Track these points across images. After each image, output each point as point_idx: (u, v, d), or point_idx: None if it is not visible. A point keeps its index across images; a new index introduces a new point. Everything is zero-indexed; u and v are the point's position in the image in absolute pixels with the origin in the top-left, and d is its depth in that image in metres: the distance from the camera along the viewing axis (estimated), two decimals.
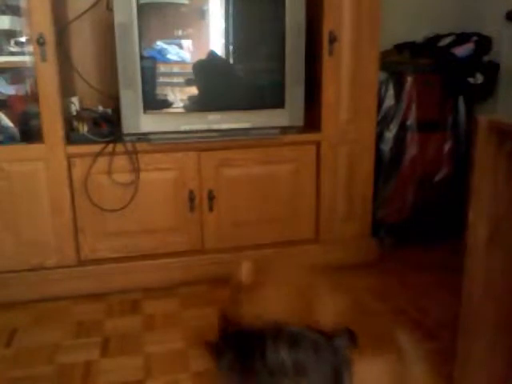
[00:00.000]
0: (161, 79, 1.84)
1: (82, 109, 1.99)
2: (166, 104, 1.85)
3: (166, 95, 1.84)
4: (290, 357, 1.04)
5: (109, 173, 1.85)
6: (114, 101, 1.95)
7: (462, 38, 2.35)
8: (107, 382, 1.45)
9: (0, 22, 1.75)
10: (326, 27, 1.92)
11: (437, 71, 2.27)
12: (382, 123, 2.24)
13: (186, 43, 1.81)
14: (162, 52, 1.80)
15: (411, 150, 2.27)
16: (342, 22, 1.93)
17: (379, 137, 2.21)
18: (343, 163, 2.07)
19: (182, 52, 1.82)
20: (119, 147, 1.84)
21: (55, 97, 1.76)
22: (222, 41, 1.86)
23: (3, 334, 1.67)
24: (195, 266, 1.99)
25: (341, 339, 1.07)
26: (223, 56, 1.88)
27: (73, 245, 1.89)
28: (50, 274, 1.88)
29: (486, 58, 2.32)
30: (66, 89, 1.91)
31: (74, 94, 2.05)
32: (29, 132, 1.81)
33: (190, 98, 1.87)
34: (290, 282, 1.27)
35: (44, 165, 1.80)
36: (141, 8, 1.73)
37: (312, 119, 2.02)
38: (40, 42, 1.69)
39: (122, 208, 1.88)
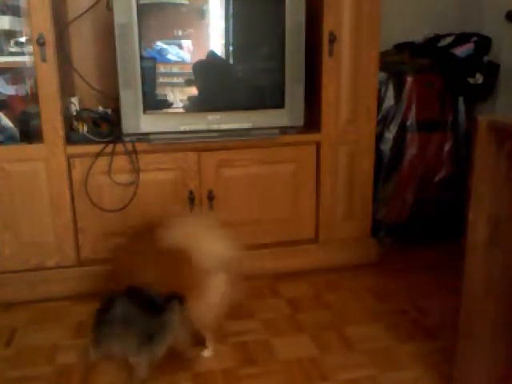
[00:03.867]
0: (161, 79, 1.84)
1: (82, 109, 1.99)
2: (165, 104, 1.85)
3: (165, 95, 1.84)
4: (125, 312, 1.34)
5: (109, 173, 1.85)
6: (113, 101, 1.95)
7: (462, 38, 2.35)
8: (107, 382, 1.45)
9: (0, 22, 1.75)
10: (326, 27, 1.92)
11: (437, 71, 2.27)
12: (382, 123, 2.24)
13: (186, 43, 1.81)
14: (161, 52, 1.80)
15: (411, 150, 2.27)
16: (341, 22, 1.93)
17: (379, 137, 2.21)
18: (343, 163, 2.07)
19: (181, 52, 1.82)
20: (119, 147, 1.84)
21: (55, 97, 1.76)
22: (222, 41, 1.86)
23: (3, 334, 1.67)
24: None
25: (174, 303, 1.34)
26: (223, 56, 1.88)
27: (73, 245, 1.89)
28: (50, 274, 1.88)
29: (486, 58, 2.32)
30: (66, 89, 1.91)
31: (73, 94, 2.05)
32: (29, 132, 1.81)
33: (190, 99, 1.87)
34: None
35: (44, 165, 1.80)
36: (141, 8, 1.73)
37: (312, 119, 2.02)
38: (40, 42, 1.69)
39: (122, 208, 1.88)
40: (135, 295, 1.37)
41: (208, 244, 1.42)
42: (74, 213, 1.87)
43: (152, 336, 1.33)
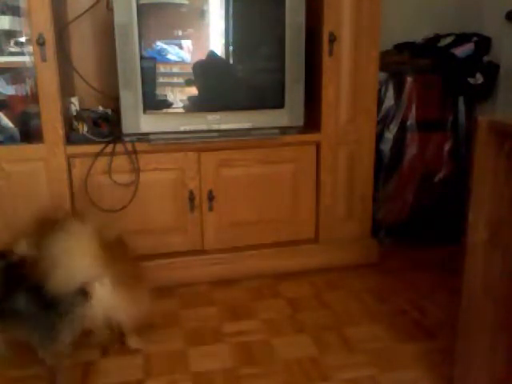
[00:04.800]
0: (161, 79, 1.84)
1: (82, 109, 1.99)
2: (165, 104, 1.85)
3: (165, 95, 1.84)
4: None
5: (109, 173, 1.85)
6: (113, 101, 1.95)
7: (461, 38, 2.36)
8: (107, 382, 1.45)
9: (0, 22, 1.75)
10: (326, 27, 1.92)
11: (437, 71, 2.27)
12: (382, 123, 2.24)
13: (186, 43, 1.81)
14: (161, 52, 1.80)
15: (411, 150, 2.27)
16: (342, 22, 1.93)
17: (379, 137, 2.21)
18: (343, 163, 2.07)
19: (181, 52, 1.82)
20: (119, 147, 1.84)
21: (55, 97, 1.76)
22: (222, 41, 1.86)
23: None
24: (195, 266, 1.99)
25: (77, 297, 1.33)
26: (223, 56, 1.88)
27: None
28: None
29: (485, 58, 2.33)
30: (66, 89, 1.91)
31: (73, 94, 2.05)
32: (29, 132, 1.81)
33: (190, 99, 1.87)
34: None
35: (44, 165, 1.80)
36: (141, 8, 1.73)
37: (312, 119, 2.02)
38: (40, 42, 1.69)
39: (122, 208, 1.88)
40: (33, 286, 1.34)
41: (72, 258, 1.35)
42: (74, 213, 1.87)
43: (52, 329, 1.34)
